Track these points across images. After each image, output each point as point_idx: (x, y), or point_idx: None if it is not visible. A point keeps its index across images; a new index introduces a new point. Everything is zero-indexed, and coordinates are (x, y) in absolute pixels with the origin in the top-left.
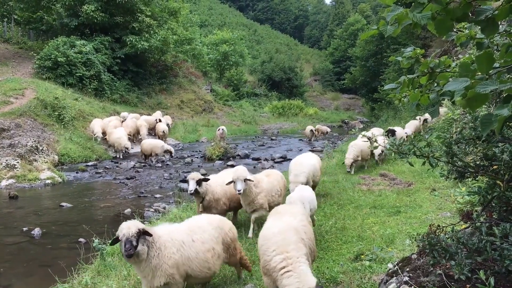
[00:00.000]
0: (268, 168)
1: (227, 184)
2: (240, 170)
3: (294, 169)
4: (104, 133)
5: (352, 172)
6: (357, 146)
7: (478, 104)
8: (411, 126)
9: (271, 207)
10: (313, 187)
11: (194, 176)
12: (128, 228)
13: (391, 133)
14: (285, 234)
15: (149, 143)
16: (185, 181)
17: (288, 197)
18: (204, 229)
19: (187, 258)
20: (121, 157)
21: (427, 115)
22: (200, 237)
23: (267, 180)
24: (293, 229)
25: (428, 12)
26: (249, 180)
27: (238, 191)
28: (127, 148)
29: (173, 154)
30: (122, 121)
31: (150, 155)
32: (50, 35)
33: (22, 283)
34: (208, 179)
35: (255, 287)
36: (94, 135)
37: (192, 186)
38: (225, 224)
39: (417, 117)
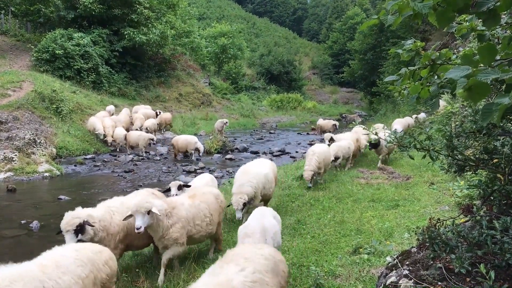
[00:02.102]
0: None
1: (124, 220)
2: (142, 199)
3: (239, 178)
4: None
5: (312, 186)
6: (320, 153)
7: (479, 96)
8: (400, 123)
9: (195, 240)
10: (264, 202)
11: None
12: None
13: (373, 146)
14: None
15: (184, 139)
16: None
17: (243, 227)
18: (65, 268)
19: None
20: (143, 155)
21: (421, 115)
22: (56, 285)
23: (189, 203)
24: None
25: (430, 2)
26: (155, 212)
27: (137, 228)
28: (152, 140)
29: (200, 154)
30: (112, 114)
31: (186, 152)
32: (47, 27)
33: None
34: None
35: None
36: (96, 131)
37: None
38: (100, 256)
39: (413, 116)
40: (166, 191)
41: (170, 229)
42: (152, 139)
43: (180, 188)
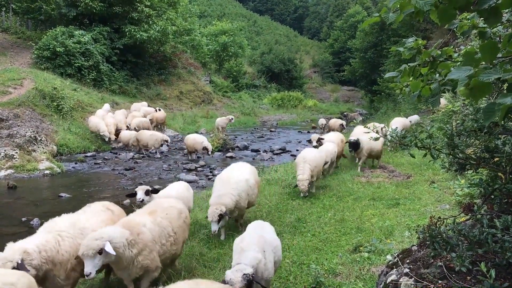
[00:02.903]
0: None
1: (76, 259)
2: (90, 238)
3: (218, 187)
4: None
5: (307, 195)
6: (311, 160)
7: (481, 94)
8: (397, 123)
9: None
10: (247, 207)
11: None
12: None
13: (352, 146)
14: None
15: (192, 138)
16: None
17: (239, 240)
18: None
19: None
20: (158, 154)
21: (413, 117)
22: None
23: (151, 222)
24: None
25: None
26: (108, 252)
27: (87, 275)
28: (166, 141)
29: (209, 152)
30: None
31: (195, 152)
32: (48, 25)
33: None
34: None
35: None
36: (101, 133)
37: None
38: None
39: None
40: (131, 196)
41: (135, 259)
42: (166, 140)
43: (147, 193)
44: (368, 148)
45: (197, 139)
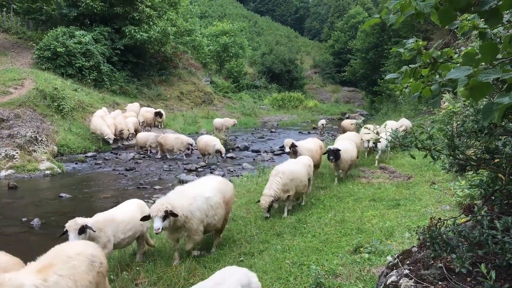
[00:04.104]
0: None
1: None
2: None
3: (172, 197)
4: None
5: (269, 216)
6: (286, 173)
7: (481, 95)
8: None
9: None
10: (216, 232)
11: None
12: None
13: (333, 155)
14: None
15: (205, 141)
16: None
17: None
18: None
19: None
20: (184, 156)
21: (404, 121)
22: None
23: (40, 286)
24: None
25: (432, 1)
26: None
27: None
28: (191, 145)
29: (223, 155)
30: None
31: (208, 154)
32: (49, 25)
33: None
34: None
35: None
36: (105, 136)
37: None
38: None
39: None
40: (62, 235)
41: None
42: (191, 144)
43: (82, 231)
44: (349, 157)
45: (208, 142)
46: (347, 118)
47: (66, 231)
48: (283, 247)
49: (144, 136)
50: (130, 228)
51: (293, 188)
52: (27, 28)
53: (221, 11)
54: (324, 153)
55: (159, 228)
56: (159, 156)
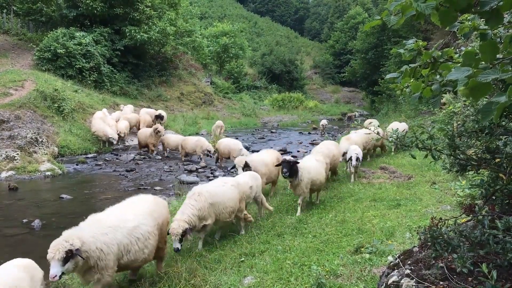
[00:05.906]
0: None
1: None
2: None
3: (83, 226)
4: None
5: (179, 248)
6: (206, 195)
7: (481, 94)
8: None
9: None
10: (132, 270)
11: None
12: None
13: (287, 167)
14: None
15: (226, 144)
16: None
17: None
18: None
19: None
20: (203, 160)
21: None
22: None
23: None
24: None
25: (433, 2)
26: None
27: None
28: (209, 151)
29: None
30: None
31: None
32: (49, 26)
33: None
34: None
35: (255, 279)
36: (109, 137)
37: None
38: None
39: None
40: None
41: None
42: (210, 151)
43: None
44: (310, 179)
45: (231, 146)
46: (348, 118)
47: None
48: (284, 247)
49: (175, 139)
50: None
51: (212, 215)
52: (27, 29)
53: (221, 12)
54: (278, 165)
55: (56, 276)
56: (159, 157)
